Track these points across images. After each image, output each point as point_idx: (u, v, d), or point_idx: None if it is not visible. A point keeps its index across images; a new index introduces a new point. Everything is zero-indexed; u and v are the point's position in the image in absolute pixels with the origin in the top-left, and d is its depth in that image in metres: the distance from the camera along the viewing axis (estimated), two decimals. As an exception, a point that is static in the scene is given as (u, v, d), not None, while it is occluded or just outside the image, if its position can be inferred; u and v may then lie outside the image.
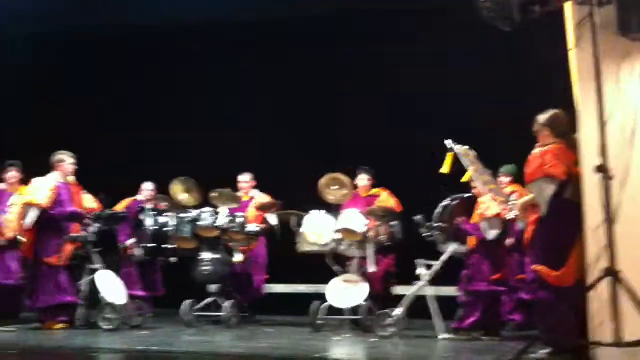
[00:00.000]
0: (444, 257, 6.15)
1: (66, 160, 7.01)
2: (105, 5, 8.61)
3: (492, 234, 6.04)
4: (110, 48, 9.14)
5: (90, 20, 8.78)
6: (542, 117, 4.94)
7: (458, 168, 5.68)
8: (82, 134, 8.68)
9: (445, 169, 5.67)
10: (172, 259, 7.48)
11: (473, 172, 5.53)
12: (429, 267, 6.23)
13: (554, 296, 4.66)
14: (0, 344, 5.58)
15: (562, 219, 4.70)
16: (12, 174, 7.22)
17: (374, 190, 7.31)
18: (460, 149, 5.56)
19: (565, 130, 4.87)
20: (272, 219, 7.53)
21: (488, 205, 5.99)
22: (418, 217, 6.29)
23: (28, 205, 6.82)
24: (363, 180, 7.26)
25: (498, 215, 5.94)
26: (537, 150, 4.84)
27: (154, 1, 8.46)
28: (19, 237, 6.88)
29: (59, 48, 9.36)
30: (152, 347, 5.44)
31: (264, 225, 7.53)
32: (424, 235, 6.25)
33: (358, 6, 8.09)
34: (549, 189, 4.70)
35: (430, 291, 6.27)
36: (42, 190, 6.83)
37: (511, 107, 7.06)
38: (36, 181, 6.94)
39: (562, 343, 4.60)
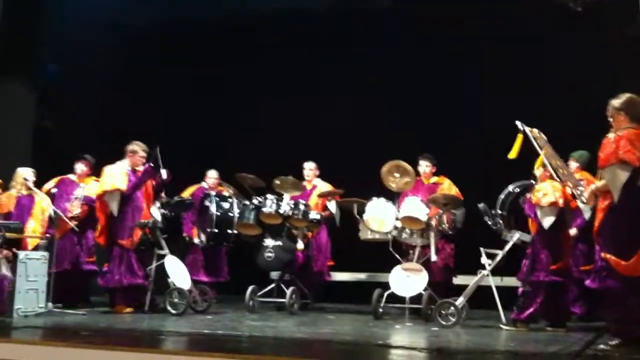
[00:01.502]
0: (507, 246, 6.07)
1: (138, 152, 7.21)
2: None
3: (548, 221, 5.89)
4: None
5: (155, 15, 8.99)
6: (617, 101, 4.78)
7: (524, 152, 5.57)
8: (150, 119, 8.91)
9: (513, 153, 5.53)
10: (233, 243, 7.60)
11: (544, 156, 5.38)
12: (492, 256, 6.16)
13: (623, 286, 4.54)
14: (72, 326, 5.77)
15: (634, 207, 4.56)
16: (81, 166, 7.59)
17: (436, 178, 7.27)
18: (531, 131, 5.42)
19: None
20: (332, 207, 7.58)
21: (544, 193, 5.86)
22: (481, 205, 6.22)
23: (110, 192, 7.04)
24: (425, 167, 7.22)
25: (554, 203, 5.80)
26: (611, 135, 4.70)
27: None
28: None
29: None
30: (217, 330, 5.54)
31: (326, 213, 7.60)
32: (487, 223, 6.17)
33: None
34: (623, 175, 4.56)
35: (493, 281, 6.21)
36: (118, 175, 7.04)
37: (580, 91, 6.90)
38: (109, 168, 7.14)
39: (631, 333, 4.48)
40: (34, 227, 6.96)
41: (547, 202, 5.81)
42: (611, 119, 4.81)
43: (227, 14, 9.09)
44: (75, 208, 7.42)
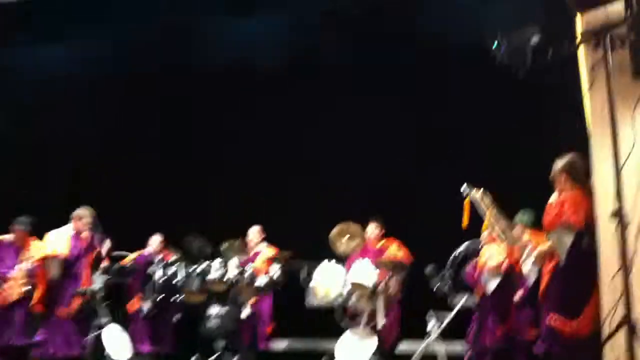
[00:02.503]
0: (455, 309, 6.01)
1: (84, 217, 7.07)
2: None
3: (491, 284, 5.89)
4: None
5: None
6: (560, 163, 4.85)
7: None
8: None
9: (465, 221, 5.50)
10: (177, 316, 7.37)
11: (489, 219, 5.39)
12: (440, 319, 6.09)
13: (570, 349, 4.51)
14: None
15: (580, 268, 4.60)
16: (16, 235, 7.28)
17: (384, 241, 7.23)
18: (475, 193, 5.43)
19: (583, 176, 4.79)
20: (275, 271, 7.42)
21: (489, 256, 5.87)
22: (429, 269, 6.18)
23: (51, 258, 6.80)
24: (373, 230, 7.20)
25: (498, 267, 5.81)
26: (555, 197, 4.75)
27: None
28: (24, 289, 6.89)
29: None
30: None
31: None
32: (435, 287, 6.12)
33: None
34: (568, 238, 4.61)
35: (441, 346, 6.12)
36: (60, 241, 6.86)
37: (527, 150, 7.03)
38: (51, 233, 7.00)
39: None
40: None
41: (491, 266, 5.81)
42: (555, 180, 4.87)
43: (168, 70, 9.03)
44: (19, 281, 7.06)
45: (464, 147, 7.81)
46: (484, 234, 6.03)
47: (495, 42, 4.69)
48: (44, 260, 6.87)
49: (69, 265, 6.85)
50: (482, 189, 5.43)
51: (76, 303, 6.82)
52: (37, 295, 6.91)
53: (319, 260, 6.81)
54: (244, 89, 8.79)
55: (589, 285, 4.55)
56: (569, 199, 4.68)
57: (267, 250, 7.66)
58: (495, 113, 7.53)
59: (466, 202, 5.48)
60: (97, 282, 6.92)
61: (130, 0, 8.48)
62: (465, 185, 5.49)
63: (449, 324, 6.05)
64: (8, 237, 7.37)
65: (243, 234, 7.70)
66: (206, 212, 8.46)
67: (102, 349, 6.56)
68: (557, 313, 4.61)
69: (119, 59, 9.09)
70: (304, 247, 7.14)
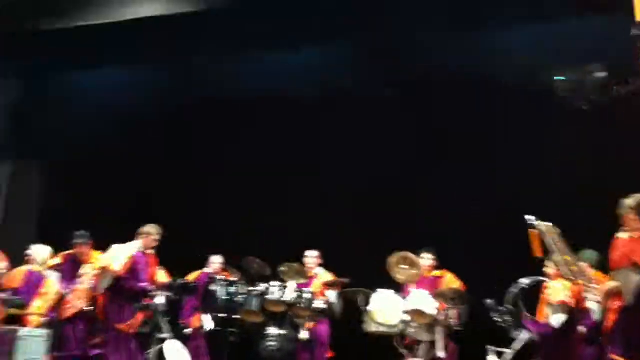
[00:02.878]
0: (516, 345, 6.02)
1: (152, 234, 7.21)
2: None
3: (557, 319, 5.88)
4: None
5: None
6: (629, 201, 4.88)
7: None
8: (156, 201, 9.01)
9: (537, 251, 5.48)
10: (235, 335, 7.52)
11: (556, 253, 5.39)
12: (500, 354, 6.11)
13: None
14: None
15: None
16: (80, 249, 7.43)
17: (438, 272, 7.26)
18: (543, 226, 5.40)
19: None
20: (332, 297, 7.53)
21: (554, 291, 5.87)
22: (489, 301, 6.20)
23: (104, 270, 7.01)
24: (427, 260, 7.21)
25: (564, 302, 5.81)
26: (624, 235, 4.79)
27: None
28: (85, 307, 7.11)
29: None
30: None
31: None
32: (495, 319, 6.15)
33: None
34: (636, 278, 4.62)
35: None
36: (119, 257, 7.02)
37: (591, 187, 7.04)
38: (115, 248, 7.13)
39: None
40: (39, 306, 6.87)
41: (557, 301, 5.82)
42: (622, 218, 4.90)
43: (227, 92, 9.29)
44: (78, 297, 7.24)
45: (525, 176, 7.86)
46: (549, 269, 6.04)
47: (557, 77, 4.76)
48: (100, 271, 7.02)
49: (125, 281, 6.96)
50: (549, 223, 5.47)
51: (139, 318, 6.97)
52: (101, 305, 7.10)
53: (374, 288, 6.89)
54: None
55: None
56: (638, 239, 4.71)
57: (324, 275, 7.78)
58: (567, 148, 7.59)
59: (532, 233, 5.49)
60: (160, 297, 7.07)
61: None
62: (532, 217, 5.53)
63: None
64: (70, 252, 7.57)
65: (301, 259, 7.86)
66: (266, 235, 8.62)
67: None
68: (619, 354, 4.62)
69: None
70: (360, 275, 7.25)
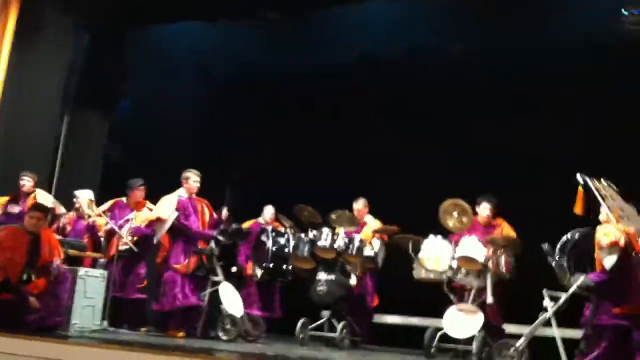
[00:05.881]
0: (572, 289, 5.91)
1: (191, 178, 7.39)
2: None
3: (609, 261, 5.72)
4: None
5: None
6: None
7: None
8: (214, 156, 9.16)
9: (578, 208, 5.42)
10: (289, 277, 7.64)
11: (607, 208, 5.28)
12: (555, 299, 6.01)
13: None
14: (127, 341, 5.86)
15: None
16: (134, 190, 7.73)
17: (494, 220, 7.17)
18: (594, 183, 5.32)
19: None
20: (377, 246, 7.53)
21: (604, 233, 5.72)
22: (545, 245, 6.08)
23: (157, 220, 7.23)
24: (485, 209, 7.11)
25: (615, 243, 5.66)
26: None
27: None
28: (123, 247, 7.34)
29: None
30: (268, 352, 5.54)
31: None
32: (552, 263, 6.04)
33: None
34: None
35: (555, 327, 6.04)
36: (167, 206, 7.22)
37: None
38: (163, 198, 7.36)
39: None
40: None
41: (607, 242, 5.67)
42: None
43: (304, 61, 9.36)
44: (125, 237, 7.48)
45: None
46: (602, 217, 5.91)
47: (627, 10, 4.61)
48: (153, 222, 7.24)
49: (178, 227, 7.18)
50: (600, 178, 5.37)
51: (193, 261, 7.16)
52: (160, 253, 7.39)
53: (424, 236, 6.86)
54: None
55: None
56: None
57: (373, 222, 7.81)
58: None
59: (579, 191, 5.41)
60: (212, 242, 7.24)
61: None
62: (580, 175, 5.43)
63: (563, 306, 5.95)
64: (124, 199, 7.85)
65: (350, 206, 7.87)
66: (316, 182, 8.68)
67: (219, 302, 6.87)
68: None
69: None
70: (409, 222, 7.25)
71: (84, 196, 7.53)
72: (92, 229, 7.65)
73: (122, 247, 7.31)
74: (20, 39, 8.71)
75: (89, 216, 7.59)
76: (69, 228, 7.80)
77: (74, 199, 7.71)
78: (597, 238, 5.77)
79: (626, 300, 5.72)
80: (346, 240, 7.19)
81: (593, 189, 5.25)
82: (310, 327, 7.09)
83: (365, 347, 7.42)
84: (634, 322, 5.72)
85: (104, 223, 7.52)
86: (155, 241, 7.35)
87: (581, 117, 7.89)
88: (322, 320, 7.17)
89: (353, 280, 7.28)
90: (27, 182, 7.89)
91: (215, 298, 7.00)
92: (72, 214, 7.92)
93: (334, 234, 7.21)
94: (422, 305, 7.62)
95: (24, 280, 6.00)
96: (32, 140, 8.97)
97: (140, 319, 7.47)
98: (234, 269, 7.83)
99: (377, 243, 7.58)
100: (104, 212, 7.60)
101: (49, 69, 9.17)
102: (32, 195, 7.83)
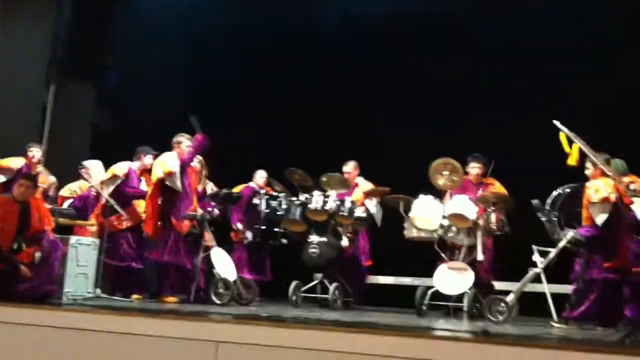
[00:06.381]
0: (561, 243, 5.97)
1: (183, 142, 7.32)
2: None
3: (601, 218, 5.78)
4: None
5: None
6: None
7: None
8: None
9: (572, 160, 5.45)
10: (283, 240, 7.66)
11: (588, 152, 5.30)
12: (544, 253, 6.07)
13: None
14: (121, 307, 5.89)
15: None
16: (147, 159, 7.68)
17: (485, 180, 7.18)
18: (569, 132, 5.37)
19: None
20: (372, 207, 7.56)
21: (594, 189, 5.77)
22: (535, 201, 6.13)
23: (168, 175, 7.13)
24: (474, 168, 7.14)
25: (606, 199, 5.71)
26: None
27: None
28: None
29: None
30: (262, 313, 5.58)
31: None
32: (542, 219, 6.09)
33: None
34: None
35: (544, 281, 6.11)
36: (167, 160, 7.19)
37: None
38: (157, 159, 7.33)
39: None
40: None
41: (598, 198, 5.72)
42: None
43: (290, 21, 9.29)
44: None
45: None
46: (588, 171, 5.94)
47: None
48: (163, 181, 7.11)
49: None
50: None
51: (186, 226, 7.15)
52: (146, 218, 7.27)
53: (415, 196, 6.86)
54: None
55: None
56: None
57: (364, 184, 7.82)
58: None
59: (562, 137, 5.43)
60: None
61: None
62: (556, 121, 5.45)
63: (553, 261, 6.01)
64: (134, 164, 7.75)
65: (340, 169, 7.87)
66: (306, 145, 8.66)
67: (211, 267, 6.89)
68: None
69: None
70: (400, 183, 7.25)
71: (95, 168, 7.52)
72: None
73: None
74: (4, 9, 8.57)
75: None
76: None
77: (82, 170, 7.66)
78: (587, 194, 5.82)
79: (616, 254, 5.79)
80: (338, 202, 7.19)
81: (572, 136, 5.27)
82: (302, 289, 7.13)
83: (357, 308, 7.48)
84: (623, 276, 5.80)
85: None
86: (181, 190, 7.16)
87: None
88: (314, 282, 7.22)
89: (345, 242, 7.32)
90: (36, 152, 7.85)
91: (207, 263, 7.00)
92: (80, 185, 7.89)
93: (325, 196, 7.22)
94: (414, 265, 7.65)
95: (14, 250, 5.97)
96: (19, 110, 8.88)
97: (130, 286, 7.47)
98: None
99: (371, 204, 7.61)
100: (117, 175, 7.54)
101: (34, 38, 9.06)
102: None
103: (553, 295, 6.39)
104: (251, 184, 8.29)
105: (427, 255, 6.82)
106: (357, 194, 7.66)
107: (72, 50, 9.52)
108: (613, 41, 7.67)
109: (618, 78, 7.41)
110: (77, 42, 9.60)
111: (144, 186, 7.61)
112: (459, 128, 8.03)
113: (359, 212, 7.34)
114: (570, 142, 5.45)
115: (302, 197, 7.34)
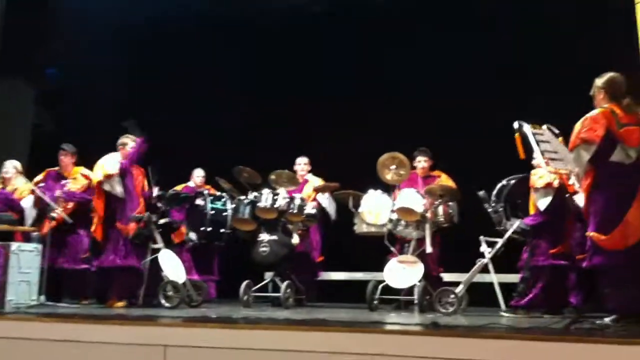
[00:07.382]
0: (507, 234, 6.07)
1: (128, 144, 7.23)
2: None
3: (543, 203, 5.91)
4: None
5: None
6: (599, 80, 4.86)
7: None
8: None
9: (521, 153, 5.54)
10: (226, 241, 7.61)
11: (538, 152, 5.39)
12: (491, 244, 6.16)
13: (608, 260, 4.56)
14: (66, 314, 5.74)
15: (612, 182, 4.60)
16: (61, 158, 7.54)
17: (433, 172, 7.26)
18: (533, 129, 5.39)
19: (621, 93, 4.77)
20: (325, 201, 7.55)
21: (540, 175, 5.91)
22: (481, 192, 6.22)
23: (106, 180, 7.05)
24: (420, 161, 7.22)
25: (549, 185, 5.85)
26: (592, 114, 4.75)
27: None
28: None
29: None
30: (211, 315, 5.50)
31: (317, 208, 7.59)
32: (488, 210, 6.18)
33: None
34: (585, 155, 4.63)
35: (492, 272, 6.20)
36: (108, 162, 7.09)
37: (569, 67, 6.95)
38: (100, 160, 7.19)
39: (625, 308, 4.48)
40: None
41: (542, 184, 5.85)
42: (594, 98, 4.87)
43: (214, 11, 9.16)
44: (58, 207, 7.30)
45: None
46: (535, 161, 6.04)
47: None
48: (102, 183, 7.05)
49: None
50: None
51: (132, 228, 7.02)
52: (96, 220, 7.15)
53: (364, 191, 6.88)
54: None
55: (622, 198, 4.56)
56: (590, 116, 4.69)
57: (314, 180, 7.80)
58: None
59: (517, 137, 5.50)
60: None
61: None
62: (517, 122, 5.51)
63: (500, 251, 6.10)
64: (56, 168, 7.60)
65: (290, 166, 7.84)
66: (254, 144, 8.59)
67: (159, 270, 6.77)
68: (593, 230, 4.65)
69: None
70: (349, 179, 7.27)
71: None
72: (10, 202, 7.38)
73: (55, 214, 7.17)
74: None
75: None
76: None
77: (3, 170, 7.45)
78: (531, 181, 5.94)
79: (562, 240, 5.91)
80: (287, 199, 7.15)
81: (529, 133, 5.33)
82: (254, 288, 7.07)
83: (309, 305, 7.46)
84: (570, 261, 5.93)
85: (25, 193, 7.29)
86: (120, 195, 7.10)
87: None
88: (266, 281, 7.16)
89: (296, 240, 7.28)
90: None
91: (154, 265, 6.87)
92: None
93: (274, 194, 7.17)
94: (366, 260, 7.66)
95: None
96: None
97: (81, 291, 7.32)
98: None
99: (324, 197, 7.59)
100: (36, 183, 7.37)
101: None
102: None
103: (503, 284, 6.51)
104: (190, 183, 8.18)
105: (378, 249, 6.84)
106: (307, 191, 7.64)
107: (5, 48, 9.19)
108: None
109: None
110: (11, 39, 9.27)
111: None
112: (406, 121, 8.05)
113: (309, 209, 7.31)
114: (527, 146, 5.47)
115: (251, 195, 7.26)
